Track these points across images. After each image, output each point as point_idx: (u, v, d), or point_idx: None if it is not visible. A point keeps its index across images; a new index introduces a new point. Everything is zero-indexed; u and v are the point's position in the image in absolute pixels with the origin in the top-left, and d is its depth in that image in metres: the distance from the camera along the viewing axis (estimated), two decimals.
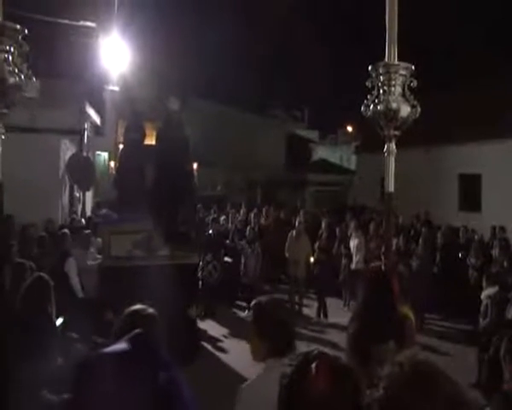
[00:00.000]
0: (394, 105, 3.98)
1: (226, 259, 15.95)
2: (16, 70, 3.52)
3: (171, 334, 4.16)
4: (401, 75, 4.02)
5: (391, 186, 4.09)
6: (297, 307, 14.41)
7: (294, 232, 14.61)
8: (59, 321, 6.60)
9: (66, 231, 11.45)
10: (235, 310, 15.20)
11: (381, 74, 4.07)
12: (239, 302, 15.56)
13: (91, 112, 20.40)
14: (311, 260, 14.79)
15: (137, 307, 3.59)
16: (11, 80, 3.48)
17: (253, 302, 3.78)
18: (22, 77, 3.56)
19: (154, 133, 12.39)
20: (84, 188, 18.66)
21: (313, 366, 1.77)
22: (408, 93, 4.06)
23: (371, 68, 4.10)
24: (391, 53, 4.04)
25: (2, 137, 3.58)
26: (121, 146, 13.66)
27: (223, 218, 18.44)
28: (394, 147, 4.13)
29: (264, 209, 19.82)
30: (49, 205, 15.25)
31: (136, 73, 16.45)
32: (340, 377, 1.77)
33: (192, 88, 29.64)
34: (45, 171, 15.16)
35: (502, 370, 4.68)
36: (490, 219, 19.01)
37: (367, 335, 2.85)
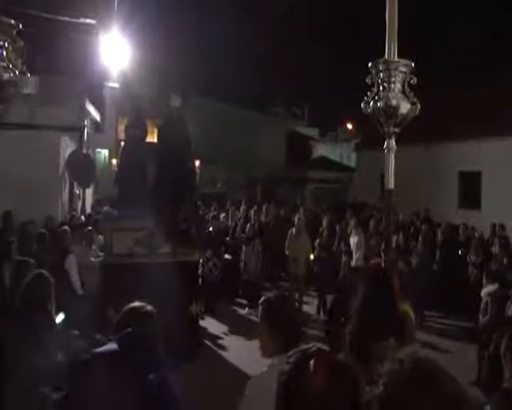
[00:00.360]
0: (394, 102, 3.98)
1: (226, 256, 15.94)
2: (11, 66, 3.49)
3: (172, 331, 4.17)
4: (401, 72, 4.02)
5: (391, 183, 4.09)
6: (297, 304, 14.40)
7: (294, 230, 14.60)
8: (59, 318, 6.60)
9: (66, 228, 11.45)
10: (235, 307, 15.20)
11: (380, 71, 4.06)
12: (239, 300, 15.57)
13: (91, 109, 20.38)
14: (311, 257, 14.77)
15: (136, 304, 3.59)
16: (5, 76, 3.45)
17: (261, 299, 3.78)
18: (17, 72, 3.53)
19: (156, 130, 12.39)
20: (83, 185, 18.65)
21: (311, 362, 1.76)
22: (408, 90, 4.06)
23: (371, 65, 4.09)
24: (391, 50, 4.03)
25: None
26: (122, 143, 13.65)
27: (223, 215, 18.43)
28: (394, 144, 4.13)
29: (264, 207, 19.81)
30: (49, 202, 15.25)
31: (137, 70, 16.42)
32: (337, 374, 1.76)
33: (192, 85, 29.62)
34: (45, 168, 15.16)
35: (502, 367, 4.67)
36: (490, 216, 19.01)
37: (366, 332, 2.84)
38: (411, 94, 4.06)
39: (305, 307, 14.62)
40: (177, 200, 11.26)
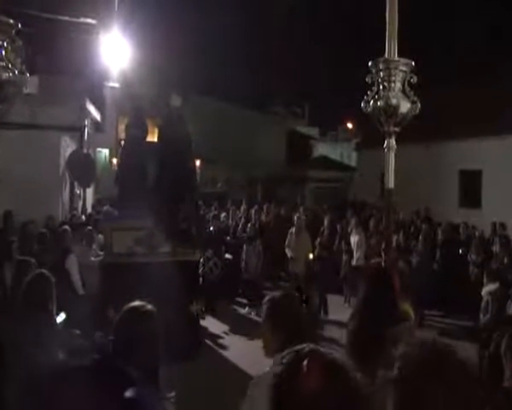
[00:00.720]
0: (394, 101, 3.98)
1: (227, 256, 15.94)
2: (10, 65, 3.47)
3: (172, 331, 4.17)
4: (401, 71, 4.02)
5: (391, 182, 4.09)
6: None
7: (294, 229, 14.59)
8: (61, 318, 6.60)
9: (66, 227, 11.46)
10: (235, 307, 15.20)
11: (381, 70, 4.06)
12: (239, 299, 15.57)
13: (92, 108, 20.40)
14: (311, 256, 14.77)
15: (136, 303, 3.60)
16: (4, 76, 3.44)
17: (266, 298, 3.77)
18: (16, 72, 3.52)
19: (156, 130, 12.39)
20: (84, 185, 18.67)
21: (304, 363, 1.73)
22: (408, 89, 4.06)
23: (371, 64, 4.09)
24: (391, 49, 4.03)
25: None
26: (122, 143, 13.66)
27: (223, 215, 18.44)
28: (394, 143, 4.13)
29: (264, 206, 19.81)
30: (50, 202, 15.26)
31: (137, 69, 16.42)
32: (332, 374, 1.73)
33: (192, 85, 29.61)
34: (46, 168, 15.18)
35: (502, 367, 4.67)
36: (490, 215, 18.99)
37: (367, 332, 2.84)
38: (411, 93, 4.06)
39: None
40: (178, 199, 11.27)
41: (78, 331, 6.67)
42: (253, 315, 13.86)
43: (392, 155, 4.12)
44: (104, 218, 13.30)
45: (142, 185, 11.15)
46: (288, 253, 14.43)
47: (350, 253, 15.30)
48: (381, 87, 4.07)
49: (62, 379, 2.11)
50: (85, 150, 18.99)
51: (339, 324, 12.58)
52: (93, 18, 17.46)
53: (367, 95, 4.15)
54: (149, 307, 3.59)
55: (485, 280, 10.64)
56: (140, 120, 11.95)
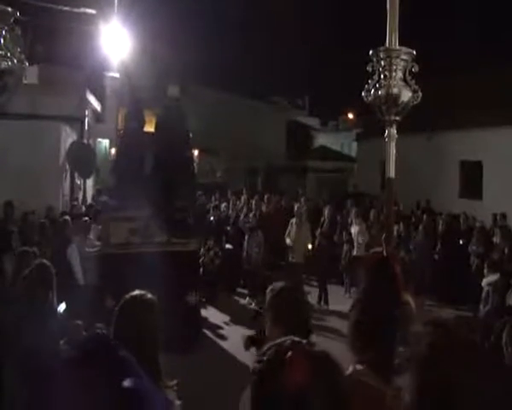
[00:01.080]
0: (395, 90, 3.96)
1: (227, 246, 15.94)
2: (8, 54, 3.45)
3: (171, 321, 4.16)
4: (402, 60, 3.99)
5: (392, 172, 4.07)
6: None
7: (295, 219, 14.59)
8: (61, 308, 6.61)
9: (67, 217, 11.45)
10: (236, 297, 15.21)
11: (381, 59, 4.04)
12: (240, 289, 15.58)
13: (92, 99, 20.37)
14: (309, 247, 14.77)
15: (136, 292, 3.59)
16: (3, 65, 3.41)
17: (269, 289, 3.76)
18: (15, 61, 3.49)
19: (154, 120, 12.36)
20: (84, 175, 18.65)
21: (287, 357, 1.67)
22: (409, 78, 4.04)
23: (372, 53, 4.07)
24: (392, 38, 4.01)
25: None
26: (120, 133, 13.66)
27: (224, 205, 18.42)
28: (395, 132, 4.10)
29: (265, 196, 19.79)
30: (50, 192, 15.25)
31: (137, 60, 16.39)
32: (317, 368, 1.68)
33: (193, 75, 29.55)
34: (46, 158, 15.16)
35: (504, 357, 4.67)
36: (491, 206, 18.98)
37: (369, 322, 2.83)
38: (413, 82, 4.04)
39: (306, 297, 14.61)
40: (174, 190, 11.25)
41: (79, 322, 6.68)
42: (253, 305, 13.87)
43: (393, 144, 4.10)
44: (101, 208, 13.27)
45: (139, 176, 11.13)
46: (289, 243, 14.44)
47: (350, 243, 15.32)
48: (381, 76, 4.05)
49: (61, 367, 2.10)
50: (85, 141, 18.98)
51: (339, 314, 12.61)
52: (93, 8, 17.41)
53: (368, 84, 4.13)
54: (150, 296, 3.59)
55: (485, 271, 10.65)
56: (138, 110, 11.93)
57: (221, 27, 41.22)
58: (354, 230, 15.18)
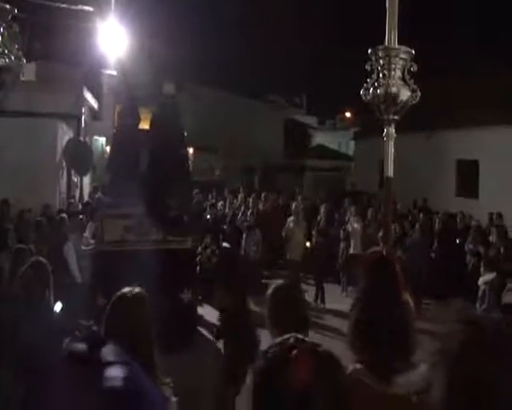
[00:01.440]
0: (394, 89, 3.95)
1: (224, 244, 15.93)
2: (6, 51, 3.44)
3: (165, 319, 4.16)
4: (401, 59, 3.99)
5: (390, 171, 4.07)
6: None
7: (292, 217, 14.59)
8: (57, 306, 6.59)
9: (64, 215, 11.43)
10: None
11: (380, 58, 4.03)
12: None
13: (89, 96, 20.34)
14: (309, 245, 14.78)
15: (126, 289, 3.60)
16: (0, 62, 3.40)
17: (269, 287, 3.76)
18: (12, 58, 3.48)
19: (149, 118, 12.34)
20: (81, 173, 18.63)
21: (291, 355, 1.65)
22: (408, 77, 4.03)
23: (371, 52, 4.06)
24: (391, 36, 4.00)
25: None
26: (114, 130, 13.63)
27: (220, 203, 18.41)
28: (394, 131, 4.10)
29: (262, 195, 19.78)
30: (47, 190, 15.22)
31: (133, 57, 16.37)
32: (321, 367, 1.66)
33: (190, 73, 29.52)
34: (42, 156, 15.14)
35: None
36: (487, 205, 19.00)
37: (368, 322, 2.82)
38: (411, 81, 4.03)
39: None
40: (170, 187, 11.23)
41: (77, 320, 6.68)
42: (250, 304, 13.84)
43: (392, 143, 4.10)
44: (95, 205, 13.25)
45: (133, 173, 11.10)
46: (286, 241, 14.43)
47: (347, 241, 15.32)
48: (380, 75, 4.05)
49: (58, 365, 2.09)
50: (82, 138, 18.95)
51: (336, 312, 12.62)
52: (90, 5, 17.38)
53: (366, 82, 4.13)
54: (139, 291, 3.59)
55: (482, 270, 10.66)
56: (133, 107, 11.91)
57: (218, 25, 41.20)
58: (351, 228, 15.20)
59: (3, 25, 3.44)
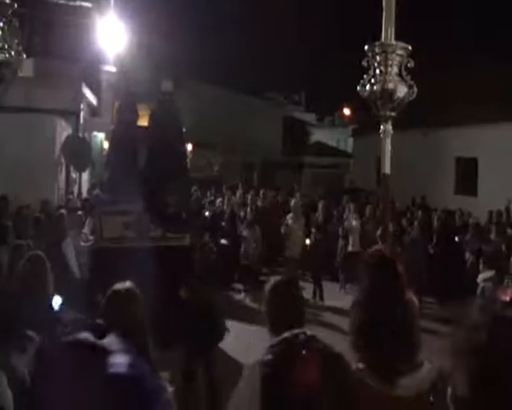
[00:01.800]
0: (391, 85, 3.93)
1: (222, 241, 15.92)
2: (6, 46, 3.42)
3: (162, 316, 4.15)
4: (398, 55, 3.96)
5: (387, 167, 4.06)
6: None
7: (291, 214, 14.60)
8: (57, 301, 6.59)
9: (63, 211, 11.41)
10: (231, 293, 15.19)
11: (377, 54, 4.01)
12: (235, 285, 15.55)
13: (87, 92, 20.31)
14: (307, 242, 14.78)
15: (118, 285, 3.60)
16: (0, 57, 3.39)
17: (266, 284, 3.76)
18: (12, 53, 3.47)
19: (148, 114, 12.32)
20: (80, 169, 18.60)
21: (302, 355, 1.64)
22: (405, 73, 4.01)
23: (367, 48, 4.04)
24: (387, 33, 3.98)
25: None
26: (113, 127, 13.61)
27: (219, 200, 18.39)
28: (390, 128, 4.08)
29: (261, 191, 19.77)
30: (45, 186, 15.20)
31: (132, 53, 16.36)
32: (332, 371, 1.65)
33: (190, 70, 29.52)
34: (41, 152, 15.11)
35: None
36: (486, 202, 19.01)
37: (371, 321, 2.80)
38: (408, 77, 4.01)
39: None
40: (168, 184, 11.22)
41: (76, 315, 6.66)
42: (248, 301, 13.87)
43: (389, 140, 4.08)
44: (94, 202, 13.23)
45: (132, 170, 11.09)
46: (285, 238, 14.43)
47: (346, 239, 15.32)
48: (377, 71, 4.03)
49: (56, 357, 2.11)
50: (81, 134, 18.92)
51: (334, 310, 12.63)
52: (89, 1, 17.36)
53: (363, 79, 4.11)
54: (131, 287, 3.60)
55: (481, 267, 10.66)
56: (131, 103, 11.89)
57: (217, 22, 41.19)
58: (350, 225, 15.20)
59: (3, 19, 3.43)
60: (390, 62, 3.94)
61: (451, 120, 22.63)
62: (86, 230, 11.76)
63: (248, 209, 16.07)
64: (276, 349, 1.70)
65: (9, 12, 3.48)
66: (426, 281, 13.09)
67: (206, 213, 15.55)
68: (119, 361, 2.08)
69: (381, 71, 3.99)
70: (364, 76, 4.11)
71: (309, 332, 1.75)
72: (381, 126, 4.09)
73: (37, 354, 2.26)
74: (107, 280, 3.76)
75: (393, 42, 3.98)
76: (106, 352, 2.10)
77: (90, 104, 22.02)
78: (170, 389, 3.63)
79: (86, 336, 2.14)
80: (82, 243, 11.05)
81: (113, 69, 22.29)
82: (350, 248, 15.04)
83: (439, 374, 2.58)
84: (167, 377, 3.68)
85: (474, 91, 21.73)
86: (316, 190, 26.30)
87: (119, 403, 1.97)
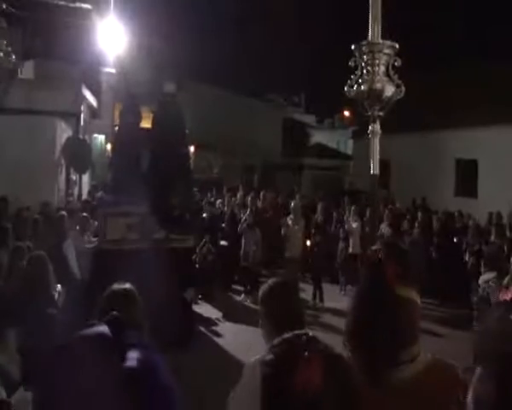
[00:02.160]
0: (378, 85, 3.90)
1: (222, 242, 15.92)
2: None
3: (165, 317, 4.16)
4: (385, 54, 3.93)
5: (376, 168, 4.03)
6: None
7: (291, 216, 14.59)
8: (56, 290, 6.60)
9: (63, 213, 11.41)
10: (231, 294, 15.20)
11: (364, 53, 3.99)
12: (235, 286, 15.56)
13: (88, 94, 20.32)
14: (308, 243, 14.78)
15: (115, 286, 3.60)
16: None
17: (263, 285, 3.76)
18: (1, 55, 3.44)
19: (150, 116, 12.33)
20: (80, 171, 18.60)
21: (304, 357, 1.63)
22: (392, 72, 3.98)
23: (354, 48, 4.02)
24: (374, 31, 3.95)
25: None
26: (116, 129, 13.62)
27: (219, 201, 18.40)
28: (379, 128, 4.06)
29: (261, 193, 19.77)
30: (45, 188, 15.19)
31: (133, 55, 16.35)
32: (334, 374, 1.65)
33: (189, 71, 29.52)
34: (41, 153, 15.11)
35: None
36: (486, 204, 19.01)
37: (365, 322, 2.80)
38: (396, 76, 3.98)
39: (301, 294, 14.58)
40: (171, 186, 11.23)
41: (78, 317, 6.66)
42: (248, 302, 13.87)
43: (377, 140, 4.05)
44: (98, 204, 13.23)
45: (135, 171, 11.11)
46: (285, 240, 14.43)
47: (346, 241, 15.32)
48: (364, 71, 4.01)
49: (65, 352, 2.12)
50: (81, 136, 18.92)
51: (334, 311, 12.63)
52: (89, 3, 17.35)
53: (350, 79, 4.10)
54: (129, 287, 3.60)
55: (482, 269, 10.65)
56: (134, 105, 11.90)
57: (217, 24, 41.17)
58: (350, 227, 15.20)
59: None
60: (377, 62, 3.90)
61: (452, 121, 22.63)
62: (89, 231, 11.77)
63: (248, 211, 16.06)
64: (277, 349, 1.69)
65: None
66: (426, 282, 13.09)
67: (204, 215, 15.55)
68: (137, 356, 2.12)
69: (368, 70, 3.97)
70: (351, 76, 4.10)
71: (310, 333, 1.74)
72: (369, 127, 4.07)
73: (56, 347, 2.26)
74: (110, 282, 3.76)
75: (380, 40, 3.95)
76: (124, 346, 2.13)
77: (90, 106, 22.03)
78: None
79: (104, 330, 2.17)
80: (85, 245, 11.05)
81: (113, 71, 22.30)
82: (350, 250, 15.05)
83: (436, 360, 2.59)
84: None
85: (475, 93, 21.75)
86: (316, 191, 26.30)
87: (135, 398, 2.00)
